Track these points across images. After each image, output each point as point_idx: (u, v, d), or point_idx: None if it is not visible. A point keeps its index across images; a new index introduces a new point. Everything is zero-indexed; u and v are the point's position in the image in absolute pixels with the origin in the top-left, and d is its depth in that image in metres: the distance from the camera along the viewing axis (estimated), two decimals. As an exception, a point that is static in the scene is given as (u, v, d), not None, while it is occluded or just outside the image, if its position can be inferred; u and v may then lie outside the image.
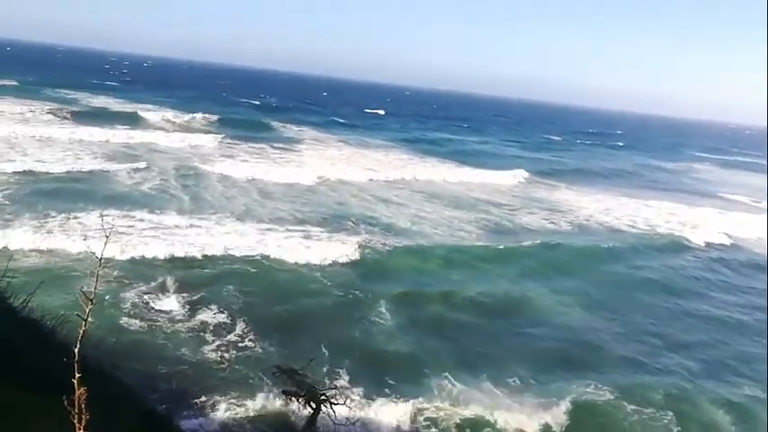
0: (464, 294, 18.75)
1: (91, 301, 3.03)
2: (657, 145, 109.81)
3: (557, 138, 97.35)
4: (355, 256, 20.50)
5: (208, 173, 32.85)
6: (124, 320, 14.07)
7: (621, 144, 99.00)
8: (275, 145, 48.54)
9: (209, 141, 44.75)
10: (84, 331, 3.01)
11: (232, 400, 11.28)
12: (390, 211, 29.47)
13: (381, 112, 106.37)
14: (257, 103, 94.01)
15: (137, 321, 14.13)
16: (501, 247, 24.28)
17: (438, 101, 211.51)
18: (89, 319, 2.96)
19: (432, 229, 26.85)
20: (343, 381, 12.55)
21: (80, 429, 2.98)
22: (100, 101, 67.08)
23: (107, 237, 3.44)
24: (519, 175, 45.93)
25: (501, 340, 16.07)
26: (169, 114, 58.73)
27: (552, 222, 31.56)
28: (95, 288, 3.02)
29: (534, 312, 18.37)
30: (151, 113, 57.81)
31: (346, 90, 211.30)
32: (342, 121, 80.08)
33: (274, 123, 62.85)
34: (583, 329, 17.53)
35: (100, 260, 3.03)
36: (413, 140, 65.02)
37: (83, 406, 2.94)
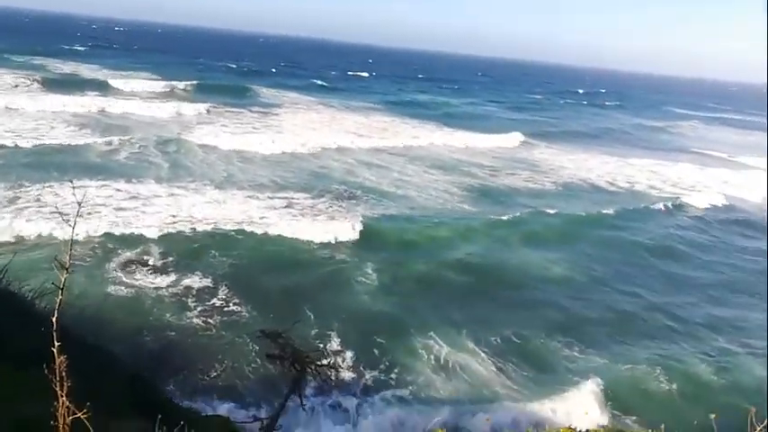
0: (450, 258, 18.96)
1: (66, 269, 3.03)
2: (646, 103, 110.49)
3: (543, 97, 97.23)
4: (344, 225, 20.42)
5: (187, 142, 32.27)
6: (105, 289, 14.01)
7: (608, 104, 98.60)
8: (257, 109, 47.85)
9: (185, 109, 43.61)
10: (60, 300, 3.02)
11: (216, 365, 11.43)
12: (395, 183, 28.82)
13: (365, 74, 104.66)
14: (234, 66, 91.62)
15: (119, 289, 14.10)
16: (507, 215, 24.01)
17: (420, 61, 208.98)
18: (65, 289, 2.97)
19: (420, 194, 26.90)
20: (330, 343, 12.75)
21: (62, 397, 3.02)
22: (70, 67, 64.99)
23: (79, 205, 3.40)
24: (515, 138, 45.69)
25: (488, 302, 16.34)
26: (144, 82, 57.06)
27: (537, 183, 32.02)
28: (70, 257, 3.02)
29: (521, 274, 18.64)
30: (123, 81, 56.11)
31: (324, 52, 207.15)
32: (326, 84, 78.37)
33: (255, 88, 61.26)
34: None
35: (72, 228, 3.01)
36: (401, 103, 64.28)
37: (63, 374, 2.98)
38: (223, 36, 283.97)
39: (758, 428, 4.36)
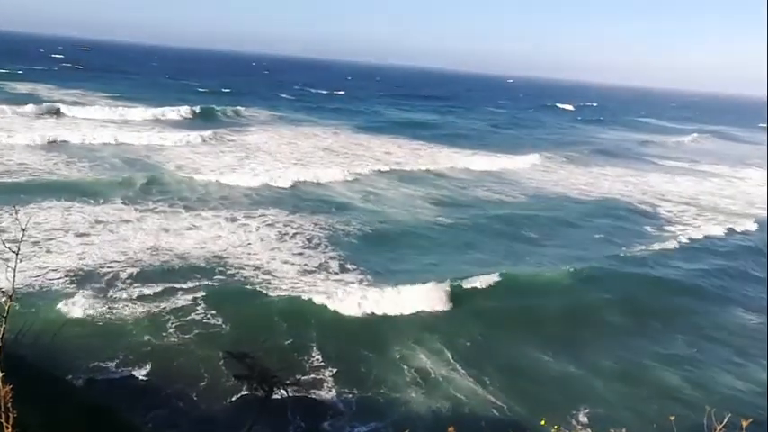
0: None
1: (9, 297, 2.92)
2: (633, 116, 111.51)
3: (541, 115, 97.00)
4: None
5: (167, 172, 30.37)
6: (63, 315, 13.50)
7: (602, 119, 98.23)
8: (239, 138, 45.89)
9: (155, 138, 39.29)
10: (4, 329, 2.91)
11: (182, 388, 11.12)
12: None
13: (341, 92, 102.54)
14: (203, 90, 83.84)
15: (78, 313, 13.60)
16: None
17: (393, 77, 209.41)
18: (8, 318, 2.86)
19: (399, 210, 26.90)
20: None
21: (8, 429, 2.90)
22: (27, 88, 62.60)
23: (23, 230, 3.30)
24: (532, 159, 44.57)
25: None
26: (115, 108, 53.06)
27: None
28: (13, 284, 2.91)
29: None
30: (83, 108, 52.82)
31: (288, 69, 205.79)
32: (313, 105, 74.96)
33: (233, 111, 57.86)
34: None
35: (17, 254, 2.90)
36: (402, 123, 61.93)
37: (9, 405, 2.86)
38: (188, 53, 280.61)
39: (718, 428, 4.48)
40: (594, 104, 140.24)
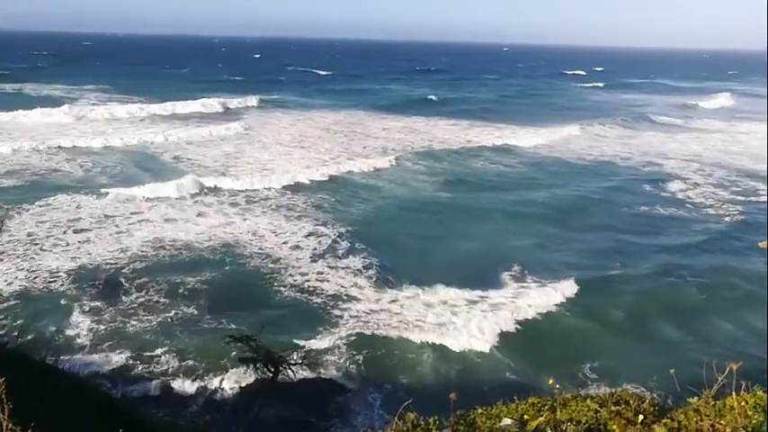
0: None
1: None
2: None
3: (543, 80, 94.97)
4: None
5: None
6: (64, 312, 13.56)
7: (618, 82, 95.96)
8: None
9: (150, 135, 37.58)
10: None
11: (191, 375, 11.23)
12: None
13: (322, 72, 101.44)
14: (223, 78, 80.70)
15: (78, 311, 13.66)
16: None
17: (377, 52, 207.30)
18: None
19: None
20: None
21: (4, 419, 2.89)
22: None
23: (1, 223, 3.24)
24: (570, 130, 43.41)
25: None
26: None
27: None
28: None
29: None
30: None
31: (273, 50, 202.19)
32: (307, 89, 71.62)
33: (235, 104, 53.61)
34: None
35: None
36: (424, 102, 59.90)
37: (2, 397, 2.85)
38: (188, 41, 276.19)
39: (719, 379, 4.52)
40: (600, 69, 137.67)
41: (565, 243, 20.10)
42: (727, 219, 23.59)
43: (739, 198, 26.48)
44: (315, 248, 18.30)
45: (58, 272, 15.62)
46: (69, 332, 12.56)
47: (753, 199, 26.42)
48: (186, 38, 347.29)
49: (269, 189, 25.03)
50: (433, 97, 63.87)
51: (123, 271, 16.07)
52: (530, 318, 14.31)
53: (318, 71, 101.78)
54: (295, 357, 9.75)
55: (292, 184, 25.92)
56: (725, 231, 21.94)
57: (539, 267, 17.39)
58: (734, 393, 3.78)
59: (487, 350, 12.88)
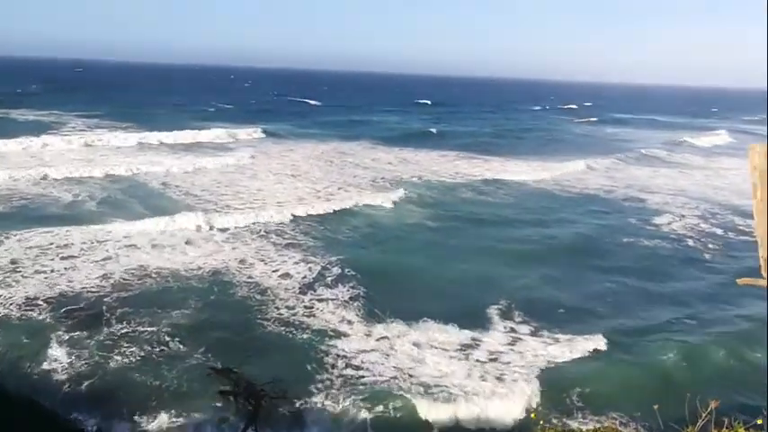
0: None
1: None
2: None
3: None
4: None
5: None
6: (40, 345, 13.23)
7: (595, 119, 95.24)
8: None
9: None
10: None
11: (168, 409, 10.92)
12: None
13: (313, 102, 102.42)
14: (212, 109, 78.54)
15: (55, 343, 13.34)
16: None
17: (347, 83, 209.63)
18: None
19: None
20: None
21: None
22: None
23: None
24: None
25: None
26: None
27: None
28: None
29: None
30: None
31: (263, 80, 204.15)
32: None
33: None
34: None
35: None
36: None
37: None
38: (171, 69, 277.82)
39: (703, 415, 4.50)
40: (588, 104, 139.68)
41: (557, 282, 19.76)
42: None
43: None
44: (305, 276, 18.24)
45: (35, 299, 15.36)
46: (46, 366, 12.23)
47: None
48: (174, 66, 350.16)
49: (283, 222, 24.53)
50: (433, 130, 64.39)
51: (105, 300, 15.79)
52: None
53: (311, 101, 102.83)
54: (277, 390, 9.59)
55: (303, 215, 25.43)
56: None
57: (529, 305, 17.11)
58: (715, 430, 3.80)
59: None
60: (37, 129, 47.62)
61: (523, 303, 17.02)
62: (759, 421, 3.96)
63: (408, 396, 11.82)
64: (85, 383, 11.75)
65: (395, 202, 29.04)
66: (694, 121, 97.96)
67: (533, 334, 15.25)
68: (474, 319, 15.79)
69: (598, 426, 10.29)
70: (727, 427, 3.99)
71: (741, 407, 9.51)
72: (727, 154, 57.40)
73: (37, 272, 17.43)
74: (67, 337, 13.49)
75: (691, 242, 25.11)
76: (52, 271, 17.58)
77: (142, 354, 13.05)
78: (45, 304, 15.22)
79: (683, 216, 29.33)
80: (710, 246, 24.61)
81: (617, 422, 11.11)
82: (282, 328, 14.83)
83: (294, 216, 25.24)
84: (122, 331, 14.09)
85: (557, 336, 15.09)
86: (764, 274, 3.68)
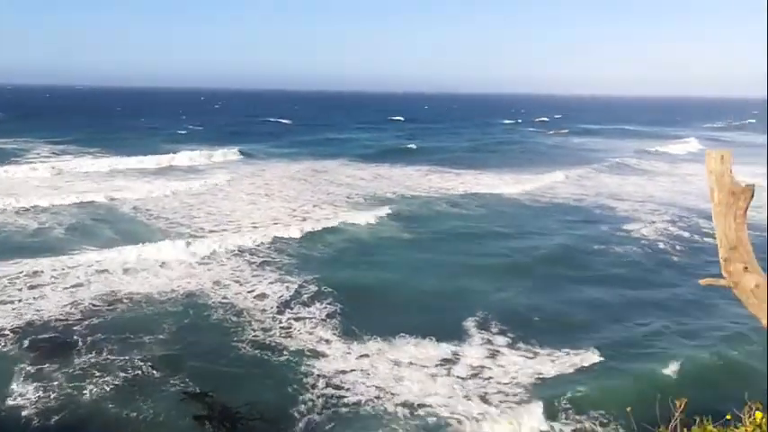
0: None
1: None
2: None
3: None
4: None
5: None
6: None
7: (566, 131, 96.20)
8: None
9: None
10: None
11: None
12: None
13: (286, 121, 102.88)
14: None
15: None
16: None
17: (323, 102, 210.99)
18: None
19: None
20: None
21: None
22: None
23: None
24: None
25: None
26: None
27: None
28: None
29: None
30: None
31: (232, 100, 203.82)
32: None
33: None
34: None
35: None
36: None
37: None
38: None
39: (676, 415, 4.54)
40: (558, 116, 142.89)
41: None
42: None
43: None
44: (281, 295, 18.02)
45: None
46: (11, 402, 11.78)
47: None
48: (145, 90, 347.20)
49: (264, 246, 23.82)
50: (412, 146, 64.94)
51: (75, 328, 15.35)
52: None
53: (283, 120, 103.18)
54: (254, 413, 9.40)
55: (279, 235, 24.99)
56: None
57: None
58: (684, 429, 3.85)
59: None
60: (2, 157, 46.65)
61: (501, 315, 17.04)
62: (728, 417, 4.02)
63: (391, 417, 11.69)
64: (54, 418, 11.36)
65: (370, 219, 29.00)
66: (662, 130, 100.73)
67: (511, 346, 15.24)
68: (452, 333, 15.73)
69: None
70: (698, 425, 4.03)
71: (714, 405, 9.63)
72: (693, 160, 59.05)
73: (2, 302, 16.92)
74: (34, 370, 13.09)
75: (661, 245, 25.61)
76: (20, 301, 17.10)
77: (115, 383, 12.68)
78: (11, 334, 14.79)
79: (654, 222, 29.94)
80: (679, 248, 25.19)
81: (596, 423, 11.22)
82: (258, 351, 14.60)
83: (269, 236, 25.02)
84: (93, 360, 13.73)
85: (535, 348, 15.07)
86: (725, 274, 3.79)
